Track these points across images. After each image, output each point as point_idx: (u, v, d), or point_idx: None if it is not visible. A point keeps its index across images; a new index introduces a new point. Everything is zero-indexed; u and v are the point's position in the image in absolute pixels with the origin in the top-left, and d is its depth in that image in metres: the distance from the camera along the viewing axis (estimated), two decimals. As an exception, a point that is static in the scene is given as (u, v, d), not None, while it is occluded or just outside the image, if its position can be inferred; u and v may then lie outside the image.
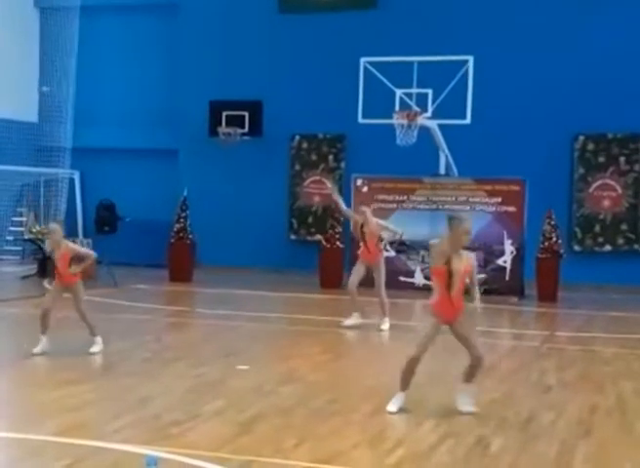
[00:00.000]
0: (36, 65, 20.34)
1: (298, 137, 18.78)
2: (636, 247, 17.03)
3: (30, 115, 20.07)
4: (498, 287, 15.58)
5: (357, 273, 11.76)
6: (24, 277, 16.82)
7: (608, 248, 17.19)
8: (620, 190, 17.14)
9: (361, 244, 11.77)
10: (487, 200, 15.84)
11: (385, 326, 11.62)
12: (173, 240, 16.87)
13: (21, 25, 19.91)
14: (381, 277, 11.71)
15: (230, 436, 6.28)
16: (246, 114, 18.59)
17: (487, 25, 17.50)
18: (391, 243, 16.20)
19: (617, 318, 13.52)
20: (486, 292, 15.61)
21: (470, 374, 7.27)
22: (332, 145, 18.67)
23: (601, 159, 17.21)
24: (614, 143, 17.15)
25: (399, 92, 16.05)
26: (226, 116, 18.60)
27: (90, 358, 9.18)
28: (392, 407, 7.11)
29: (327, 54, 18.32)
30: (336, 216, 16.55)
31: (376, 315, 11.96)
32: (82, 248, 10.28)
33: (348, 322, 11.77)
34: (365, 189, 16.49)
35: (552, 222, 15.27)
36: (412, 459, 5.90)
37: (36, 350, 9.29)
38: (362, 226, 11.65)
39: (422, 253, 16.09)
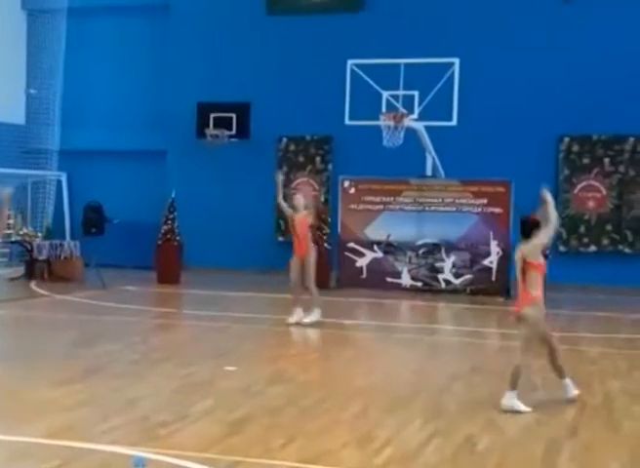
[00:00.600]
0: (23, 67, 20.29)
1: (285, 139, 18.81)
2: (621, 247, 17.15)
3: (17, 117, 20.01)
4: (484, 287, 15.68)
5: (295, 269, 11.90)
6: (12, 279, 16.78)
7: (593, 248, 17.31)
8: (604, 191, 17.26)
9: (294, 238, 11.89)
10: (473, 201, 15.93)
11: (310, 318, 11.66)
12: (160, 242, 16.86)
13: (9, 28, 19.85)
14: (311, 268, 11.81)
15: (219, 436, 6.30)
16: (233, 116, 18.62)
17: (473, 28, 17.60)
18: (379, 243, 16.29)
19: (602, 318, 13.61)
20: (472, 293, 15.80)
21: (560, 367, 7.66)
22: (319, 147, 18.71)
23: (586, 160, 17.33)
24: (598, 145, 17.28)
25: (386, 94, 16.12)
26: (214, 118, 18.62)
27: (77, 359, 9.16)
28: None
29: (314, 56, 18.37)
30: (323, 218, 16.59)
31: (337, 312, 11.95)
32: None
33: (309, 319, 11.81)
34: (352, 190, 16.55)
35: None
36: (400, 458, 5.94)
37: None
38: (293, 219, 11.80)
39: (409, 254, 16.17)
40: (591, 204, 17.32)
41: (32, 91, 20.02)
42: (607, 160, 17.24)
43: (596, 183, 17.31)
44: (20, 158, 19.50)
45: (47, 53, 19.60)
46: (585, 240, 17.34)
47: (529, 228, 7.45)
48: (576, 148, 17.38)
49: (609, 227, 17.24)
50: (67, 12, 19.59)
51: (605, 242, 17.24)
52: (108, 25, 20.06)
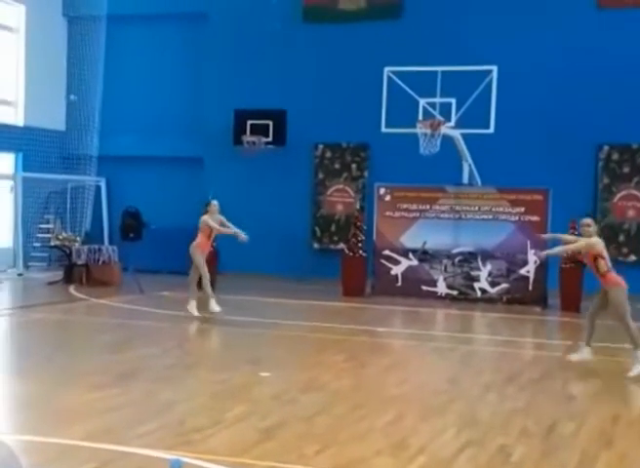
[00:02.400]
0: (64, 74, 20.55)
1: (321, 146, 18.86)
2: (661, 257, 16.91)
3: (58, 123, 20.28)
4: (521, 296, 15.55)
5: (205, 262, 13.18)
6: (50, 283, 17.00)
7: (632, 258, 17.08)
8: (644, 200, 17.06)
9: (200, 236, 13.33)
10: (510, 209, 15.81)
11: (193, 308, 12.94)
12: (197, 247, 16.93)
13: (49, 35, 20.13)
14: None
15: (252, 442, 6.33)
16: (270, 123, 18.71)
17: (511, 36, 17.50)
18: (414, 251, 16.24)
19: (641, 329, 13.40)
20: (508, 302, 15.68)
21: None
22: (355, 154, 18.73)
23: (626, 169, 17.13)
24: (639, 153, 17.07)
25: (422, 101, 16.09)
26: (251, 125, 18.73)
27: (114, 363, 9.27)
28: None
29: (351, 63, 18.40)
30: (359, 225, 16.58)
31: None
32: None
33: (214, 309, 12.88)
34: (388, 198, 16.53)
35: (576, 232, 15.17)
36: (433, 467, 5.93)
37: None
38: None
39: (445, 262, 16.09)
40: (631, 213, 17.11)
41: (73, 97, 20.29)
42: (647, 169, 17.04)
43: (636, 192, 17.10)
44: (61, 163, 19.79)
45: (87, 60, 19.86)
46: (625, 249, 17.12)
47: None
48: (615, 157, 17.19)
49: (648, 237, 17.01)
50: (107, 19, 19.86)
51: (644, 251, 17.01)
52: (147, 33, 20.27)
